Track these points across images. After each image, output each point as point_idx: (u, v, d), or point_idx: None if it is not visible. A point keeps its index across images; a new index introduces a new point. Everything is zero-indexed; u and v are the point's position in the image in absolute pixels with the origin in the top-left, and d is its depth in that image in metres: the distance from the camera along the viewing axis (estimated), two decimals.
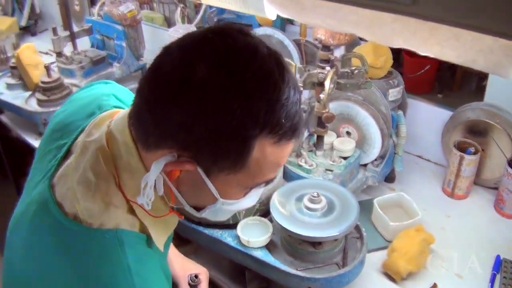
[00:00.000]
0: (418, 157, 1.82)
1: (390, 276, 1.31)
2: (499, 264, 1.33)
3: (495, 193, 1.56)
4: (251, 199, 0.85)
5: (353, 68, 1.30)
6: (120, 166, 0.79)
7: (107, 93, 0.99)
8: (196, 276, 1.22)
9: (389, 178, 1.67)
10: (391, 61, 1.51)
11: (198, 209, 0.85)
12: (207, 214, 0.85)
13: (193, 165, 0.73)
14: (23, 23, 3.13)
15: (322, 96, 1.22)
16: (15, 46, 2.75)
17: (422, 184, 1.68)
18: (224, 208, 0.83)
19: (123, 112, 0.83)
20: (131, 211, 0.81)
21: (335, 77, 1.26)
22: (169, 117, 0.71)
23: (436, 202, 1.59)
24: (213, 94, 0.68)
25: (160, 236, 0.85)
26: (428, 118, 1.73)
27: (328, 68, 1.29)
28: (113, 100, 0.98)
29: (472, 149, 1.51)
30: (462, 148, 1.53)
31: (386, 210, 1.45)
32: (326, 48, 1.28)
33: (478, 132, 1.57)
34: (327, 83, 1.21)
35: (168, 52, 0.74)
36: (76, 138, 0.88)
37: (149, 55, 2.73)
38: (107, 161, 0.80)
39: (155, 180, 0.76)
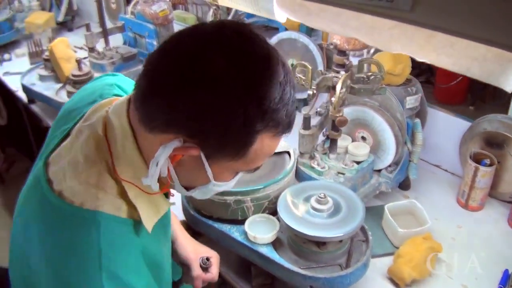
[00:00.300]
0: (436, 166, 1.82)
1: (394, 282, 1.32)
2: (506, 278, 1.33)
3: (510, 207, 1.55)
4: (235, 181, 0.92)
5: (369, 73, 1.32)
6: (114, 149, 0.84)
7: (111, 83, 1.05)
8: (207, 259, 1.28)
9: (404, 185, 1.67)
10: (409, 69, 1.52)
11: (188, 188, 0.90)
12: (195, 194, 0.91)
13: (197, 151, 0.78)
14: (60, 18, 3.24)
15: (333, 99, 1.24)
16: (51, 40, 2.84)
17: (437, 194, 1.68)
18: (213, 189, 0.89)
19: (123, 98, 0.88)
20: (122, 194, 0.85)
21: (348, 81, 1.28)
22: (179, 105, 0.74)
23: (449, 212, 1.59)
24: (227, 89, 0.73)
25: (150, 218, 0.89)
26: (447, 128, 1.73)
27: (342, 72, 1.31)
28: (116, 89, 1.03)
29: (487, 161, 1.51)
30: (478, 159, 1.53)
31: (397, 217, 1.46)
32: (342, 53, 1.30)
33: (495, 144, 1.57)
34: (338, 87, 1.23)
35: (180, 40, 0.78)
36: (76, 123, 0.93)
37: None
38: (99, 146, 0.85)
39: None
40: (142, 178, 0.84)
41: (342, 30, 0.82)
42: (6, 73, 2.79)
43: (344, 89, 1.26)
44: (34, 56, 2.84)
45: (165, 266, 1.01)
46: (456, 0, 0.64)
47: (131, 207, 0.86)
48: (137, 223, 0.88)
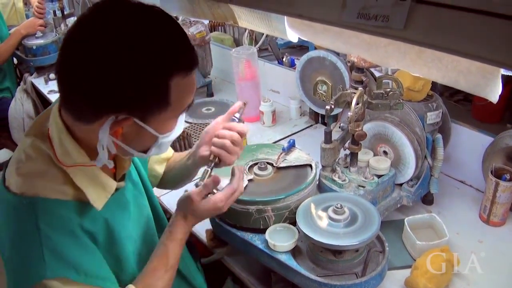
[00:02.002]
0: (461, 182, 1.83)
1: None
2: None
3: None
4: (181, 126, 1.05)
5: (388, 89, 1.37)
6: (55, 143, 0.99)
7: None
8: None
9: (427, 200, 1.70)
10: (429, 85, 1.56)
11: (145, 151, 1.03)
12: (153, 152, 1.04)
13: (130, 119, 0.92)
14: None
15: (349, 114, 1.30)
16: None
17: (460, 209, 1.69)
18: (164, 142, 1.02)
19: (57, 103, 1.02)
20: (67, 180, 0.99)
21: (365, 97, 1.33)
22: (96, 92, 0.87)
23: (470, 227, 1.60)
24: (122, 60, 0.85)
25: (99, 198, 1.02)
26: (471, 143, 1.75)
27: (360, 88, 1.36)
28: None
29: (508, 176, 1.52)
30: (499, 174, 1.54)
31: (418, 230, 1.49)
32: (359, 70, 1.36)
33: None
34: (353, 102, 1.29)
35: (70, 44, 0.90)
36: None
37: (215, 72, 2.90)
38: (41, 145, 1.00)
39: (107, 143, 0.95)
40: (95, 161, 0.99)
41: (344, 47, 0.89)
42: (51, 92, 2.96)
43: (360, 104, 1.31)
44: None
45: (126, 241, 1.13)
46: (442, 19, 0.70)
47: (78, 190, 0.99)
48: (85, 204, 1.01)
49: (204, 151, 1.28)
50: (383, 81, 1.40)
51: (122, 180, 1.16)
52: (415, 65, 0.78)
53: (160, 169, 1.47)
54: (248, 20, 1.16)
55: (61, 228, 0.97)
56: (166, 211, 1.75)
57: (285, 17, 1.09)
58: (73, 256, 0.97)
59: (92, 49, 0.85)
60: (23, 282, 0.95)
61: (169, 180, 1.49)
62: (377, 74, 1.80)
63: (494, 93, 0.73)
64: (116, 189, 1.10)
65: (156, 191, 1.85)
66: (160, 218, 1.37)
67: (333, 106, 1.33)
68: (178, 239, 1.17)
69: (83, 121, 0.94)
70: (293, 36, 1.06)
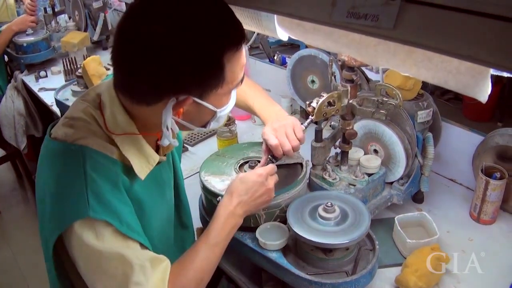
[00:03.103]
0: (451, 180, 1.84)
1: None
2: None
3: None
4: (234, 99, 1.11)
5: (385, 99, 1.35)
6: (105, 113, 1.04)
7: None
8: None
9: (418, 198, 1.70)
10: (420, 84, 1.56)
11: (204, 125, 1.10)
12: (212, 125, 1.11)
13: (189, 99, 0.98)
14: (95, 38, 3.39)
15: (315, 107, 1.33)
16: (85, 58, 2.99)
17: (450, 207, 1.70)
18: (222, 115, 1.09)
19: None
20: (113, 142, 1.04)
21: (345, 101, 1.34)
22: (155, 76, 0.92)
23: (461, 225, 1.61)
24: (176, 43, 0.89)
25: (142, 168, 1.08)
26: (462, 142, 1.76)
27: (338, 91, 1.37)
28: None
29: (498, 174, 1.53)
30: (489, 173, 1.55)
31: (408, 229, 1.50)
32: (350, 68, 1.36)
33: (507, 158, 1.59)
34: (320, 101, 1.32)
35: (124, 32, 0.94)
36: None
37: None
38: (93, 112, 1.05)
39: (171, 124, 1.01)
40: (159, 142, 1.09)
41: (334, 46, 0.89)
42: (41, 89, 2.95)
43: (326, 105, 1.36)
44: (69, 73, 2.99)
45: (152, 217, 1.17)
46: (432, 19, 0.70)
47: (123, 156, 1.04)
48: (128, 169, 1.06)
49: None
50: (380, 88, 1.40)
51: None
52: (404, 64, 0.78)
53: None
54: (238, 18, 1.16)
55: (106, 176, 1.00)
56: None
57: (275, 16, 1.08)
58: (116, 205, 1.00)
59: (147, 36, 0.89)
60: (65, 218, 0.97)
61: None
62: (368, 73, 1.80)
63: (483, 93, 0.73)
64: (157, 163, 1.13)
65: None
66: (179, 203, 1.41)
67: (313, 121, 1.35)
68: (219, 216, 1.19)
69: (144, 104, 0.99)
70: (283, 35, 1.06)
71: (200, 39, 0.90)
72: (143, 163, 1.08)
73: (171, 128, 1.02)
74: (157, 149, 1.17)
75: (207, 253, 1.13)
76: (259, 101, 1.48)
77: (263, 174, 1.23)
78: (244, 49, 1.02)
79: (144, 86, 0.95)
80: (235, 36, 0.97)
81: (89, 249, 0.96)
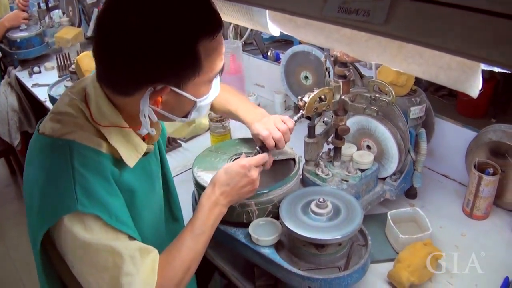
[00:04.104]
0: (444, 176, 1.85)
1: (394, 286, 1.35)
2: (506, 285, 1.35)
3: None
4: (216, 88, 1.11)
5: (378, 95, 1.35)
6: (91, 105, 1.05)
7: None
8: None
9: (410, 194, 1.71)
10: (413, 79, 1.56)
11: (186, 116, 1.10)
12: (193, 116, 1.10)
13: (167, 88, 0.98)
14: (89, 33, 3.37)
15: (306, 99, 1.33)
16: (79, 54, 2.98)
17: (443, 203, 1.70)
18: (202, 105, 1.09)
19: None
20: (102, 137, 1.04)
21: (337, 97, 1.34)
22: (130, 67, 0.94)
23: (454, 221, 1.61)
24: (150, 32, 0.90)
25: (131, 156, 1.08)
26: (455, 138, 1.76)
27: (328, 87, 1.37)
28: None
29: (491, 170, 1.54)
30: (482, 168, 1.56)
31: (401, 224, 1.50)
32: (343, 64, 1.36)
33: (500, 153, 1.59)
34: (311, 95, 1.32)
35: (101, 24, 0.95)
36: None
37: None
38: (79, 105, 1.06)
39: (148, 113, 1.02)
40: (138, 131, 1.08)
41: (325, 42, 0.89)
42: (35, 85, 2.94)
43: (318, 101, 1.36)
44: (62, 69, 2.97)
45: (142, 209, 1.17)
46: (423, 14, 0.70)
47: (111, 148, 1.05)
48: (117, 161, 1.07)
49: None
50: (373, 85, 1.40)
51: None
52: (395, 60, 0.78)
53: (206, 121, 1.68)
54: (230, 14, 1.16)
55: (95, 170, 1.01)
56: None
57: (267, 11, 1.08)
58: (105, 198, 1.00)
59: (122, 26, 0.91)
60: (53, 213, 0.97)
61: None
62: (361, 69, 1.80)
63: (474, 88, 0.73)
64: (145, 154, 1.15)
65: None
66: (169, 196, 1.41)
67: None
68: (203, 205, 1.21)
69: (124, 94, 1.00)
70: (275, 30, 1.06)
71: (173, 28, 0.91)
72: (131, 151, 1.09)
73: (148, 116, 1.03)
74: (144, 140, 1.17)
75: (192, 243, 1.14)
76: (243, 106, 1.48)
77: (246, 165, 1.24)
78: (222, 37, 1.03)
79: (122, 77, 0.97)
80: (210, 24, 0.97)
81: (78, 242, 0.97)
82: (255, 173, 1.25)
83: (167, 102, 1.03)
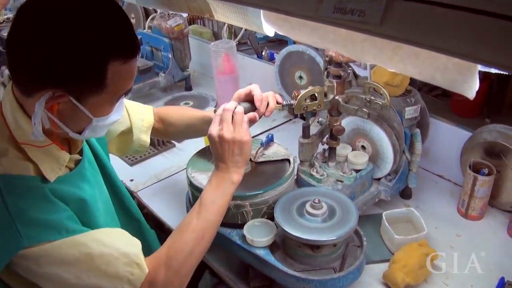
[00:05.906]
0: (439, 176, 1.85)
1: (389, 287, 1.35)
2: (502, 285, 1.34)
3: (509, 216, 1.57)
4: (118, 112, 1.07)
5: (373, 98, 1.35)
6: (9, 120, 1.01)
7: None
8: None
9: (406, 194, 1.70)
10: (408, 80, 1.56)
11: (80, 132, 1.05)
12: (88, 134, 1.06)
13: (65, 96, 0.94)
14: None
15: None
16: None
17: (438, 203, 1.70)
18: (99, 125, 1.04)
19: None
20: (26, 157, 1.01)
21: (330, 96, 1.34)
22: (35, 65, 0.91)
23: (449, 221, 1.61)
24: (62, 37, 0.88)
25: (52, 170, 1.04)
26: (449, 138, 1.76)
27: (322, 86, 1.37)
28: None
29: (486, 170, 1.53)
30: (477, 169, 1.55)
31: (396, 225, 1.50)
32: (338, 64, 1.35)
33: (495, 154, 1.59)
34: (303, 93, 1.32)
35: (18, 20, 0.93)
36: None
37: (194, 66, 2.88)
38: None
39: (42, 117, 0.96)
40: (30, 135, 0.99)
41: (321, 42, 0.88)
42: None
43: (309, 99, 1.36)
44: None
45: (96, 213, 1.15)
46: (419, 15, 0.69)
47: (36, 165, 1.01)
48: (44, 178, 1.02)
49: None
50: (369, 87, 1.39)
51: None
52: (391, 61, 0.77)
53: (146, 138, 1.55)
54: (224, 14, 1.15)
55: (30, 195, 0.98)
56: (143, 206, 1.73)
57: (261, 11, 1.07)
58: (49, 217, 0.98)
59: (36, 25, 0.89)
60: (3, 257, 0.95)
61: (174, 134, 1.67)
62: (356, 69, 1.80)
63: (471, 89, 0.72)
64: (77, 164, 1.13)
65: (134, 186, 1.84)
66: (121, 199, 1.39)
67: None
68: (210, 180, 1.23)
69: (26, 94, 0.97)
70: (269, 30, 1.05)
71: (85, 40, 0.89)
72: (53, 164, 1.05)
73: (40, 122, 0.97)
74: (70, 148, 1.15)
75: (202, 213, 1.17)
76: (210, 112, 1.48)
77: (228, 110, 1.23)
78: (136, 63, 1.01)
79: (24, 75, 0.94)
80: (125, 47, 0.96)
81: (54, 271, 0.98)
82: (243, 128, 1.23)
83: (63, 112, 0.98)
